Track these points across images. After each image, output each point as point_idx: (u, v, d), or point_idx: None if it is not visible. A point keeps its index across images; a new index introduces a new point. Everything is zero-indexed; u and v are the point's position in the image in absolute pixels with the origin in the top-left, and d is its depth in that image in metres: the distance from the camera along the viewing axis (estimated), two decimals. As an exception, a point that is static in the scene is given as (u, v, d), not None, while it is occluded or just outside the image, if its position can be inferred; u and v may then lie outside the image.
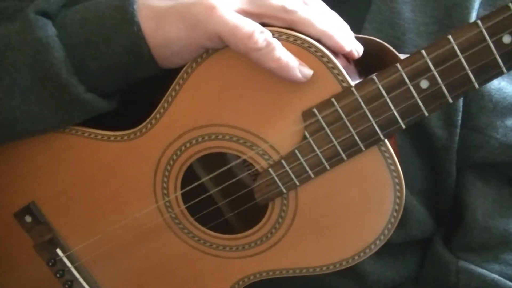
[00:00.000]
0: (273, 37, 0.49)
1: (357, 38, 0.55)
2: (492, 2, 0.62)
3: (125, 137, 0.57)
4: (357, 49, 0.53)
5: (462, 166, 0.64)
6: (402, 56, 0.60)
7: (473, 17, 0.60)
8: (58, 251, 0.62)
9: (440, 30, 0.61)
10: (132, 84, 0.55)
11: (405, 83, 0.49)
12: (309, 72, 0.49)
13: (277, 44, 0.48)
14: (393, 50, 0.56)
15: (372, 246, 0.55)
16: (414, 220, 0.64)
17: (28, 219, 0.61)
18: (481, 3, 0.61)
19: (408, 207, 0.61)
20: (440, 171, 0.64)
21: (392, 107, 0.50)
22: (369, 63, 0.55)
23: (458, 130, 0.61)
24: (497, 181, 0.65)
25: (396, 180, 0.53)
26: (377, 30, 0.61)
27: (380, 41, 0.56)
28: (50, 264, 0.62)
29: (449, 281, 0.63)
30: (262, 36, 0.48)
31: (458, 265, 0.62)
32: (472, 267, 0.62)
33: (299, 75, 0.49)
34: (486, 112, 0.61)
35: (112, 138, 0.57)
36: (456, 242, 0.65)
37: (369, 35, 0.60)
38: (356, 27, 0.60)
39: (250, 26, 0.48)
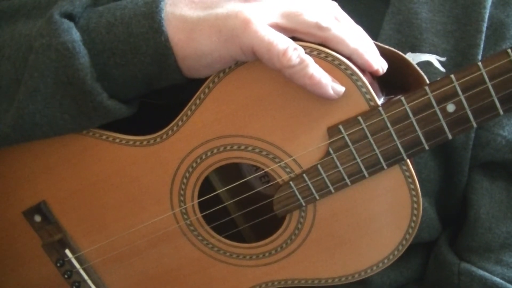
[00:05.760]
0: (305, 53, 0.49)
1: (378, 47, 0.55)
2: (503, 2, 0.63)
3: (145, 142, 0.56)
4: (383, 66, 0.54)
5: (470, 165, 0.64)
6: (416, 56, 0.60)
7: (486, 16, 0.60)
8: (67, 252, 0.61)
9: (458, 29, 0.61)
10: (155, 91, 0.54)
11: (432, 106, 0.50)
12: (341, 89, 0.49)
13: (310, 61, 0.48)
14: (414, 64, 0.56)
15: (386, 261, 0.56)
16: (424, 223, 0.64)
17: (38, 218, 0.60)
18: (492, 3, 0.62)
19: None
20: (454, 172, 0.64)
21: (418, 129, 0.51)
22: (391, 77, 0.55)
23: (474, 128, 0.61)
24: (505, 181, 0.65)
25: (415, 199, 0.54)
26: (395, 30, 0.61)
27: (400, 53, 0.56)
28: (58, 264, 0.62)
29: (451, 282, 0.64)
30: (295, 53, 0.48)
31: (460, 266, 0.63)
32: (474, 269, 0.63)
33: (331, 92, 0.49)
34: None
35: (131, 143, 0.56)
36: (459, 241, 0.66)
37: (387, 36, 0.60)
38: (374, 28, 0.60)
39: (284, 43, 0.47)
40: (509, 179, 0.66)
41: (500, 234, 0.64)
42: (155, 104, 0.58)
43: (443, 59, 0.61)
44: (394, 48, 0.56)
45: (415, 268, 0.69)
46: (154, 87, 0.54)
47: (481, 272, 0.62)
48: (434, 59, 0.61)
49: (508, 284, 0.62)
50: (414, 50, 0.62)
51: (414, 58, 0.61)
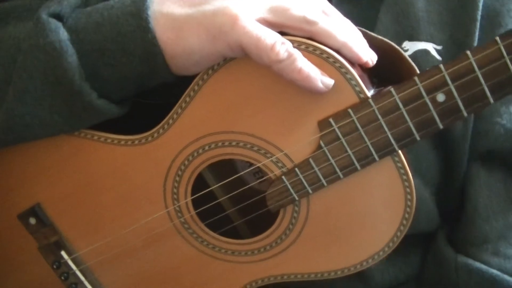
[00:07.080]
0: (293, 47, 0.49)
1: (371, 38, 0.54)
2: None
3: (136, 142, 0.56)
4: (372, 58, 0.53)
5: (469, 155, 0.64)
6: (414, 44, 0.60)
7: (481, 5, 0.60)
8: (63, 253, 0.61)
9: (454, 20, 0.61)
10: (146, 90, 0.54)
11: (422, 97, 0.50)
12: (330, 82, 0.49)
13: (298, 55, 0.48)
14: (406, 55, 0.56)
15: (381, 253, 0.56)
16: (423, 213, 0.64)
17: (32, 221, 0.60)
18: None
19: (419, 200, 0.60)
20: (454, 163, 0.64)
21: (408, 120, 0.51)
22: (382, 69, 0.55)
23: (472, 118, 0.61)
24: (503, 173, 0.65)
25: (408, 190, 0.53)
26: (392, 21, 0.61)
27: (394, 44, 0.56)
28: (55, 266, 0.62)
29: (450, 278, 0.64)
30: (283, 47, 0.48)
31: (457, 260, 0.63)
32: (470, 261, 0.62)
33: (320, 85, 0.49)
34: None
35: (122, 142, 0.56)
36: (457, 233, 0.66)
37: (385, 27, 0.60)
38: (371, 20, 0.60)
39: (271, 38, 0.47)
40: (507, 170, 0.66)
41: (497, 225, 0.64)
42: (146, 103, 0.58)
43: (439, 47, 0.61)
44: (391, 39, 0.56)
45: (414, 264, 0.69)
46: (144, 86, 0.54)
47: (477, 264, 0.62)
48: (431, 47, 0.61)
49: (505, 275, 0.62)
50: (411, 40, 0.61)
51: (411, 46, 0.61)
